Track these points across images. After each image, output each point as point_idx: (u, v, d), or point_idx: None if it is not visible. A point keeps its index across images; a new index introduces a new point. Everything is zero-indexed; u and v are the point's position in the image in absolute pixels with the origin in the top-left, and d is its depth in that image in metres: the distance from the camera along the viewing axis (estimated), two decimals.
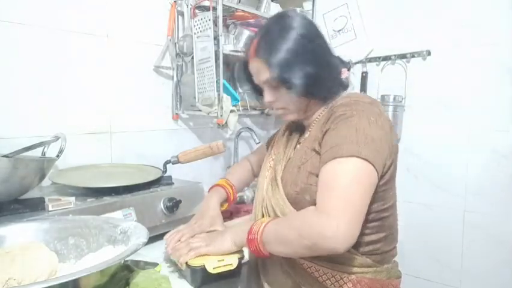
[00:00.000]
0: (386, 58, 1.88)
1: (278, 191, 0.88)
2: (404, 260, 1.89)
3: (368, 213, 0.76)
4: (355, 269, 0.81)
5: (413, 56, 1.81)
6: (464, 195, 1.72)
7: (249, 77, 0.95)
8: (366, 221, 0.77)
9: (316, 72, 0.83)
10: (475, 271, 1.70)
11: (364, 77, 1.93)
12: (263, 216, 0.91)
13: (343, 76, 0.91)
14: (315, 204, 0.74)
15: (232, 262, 0.86)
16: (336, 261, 0.81)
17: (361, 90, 1.93)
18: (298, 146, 0.95)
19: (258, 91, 0.98)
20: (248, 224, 0.84)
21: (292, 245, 0.73)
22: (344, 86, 0.91)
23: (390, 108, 1.82)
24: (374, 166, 0.72)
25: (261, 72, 0.87)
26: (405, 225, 1.89)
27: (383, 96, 1.85)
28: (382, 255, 0.85)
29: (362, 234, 0.77)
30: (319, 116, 0.91)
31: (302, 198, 0.82)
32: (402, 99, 1.84)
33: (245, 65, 0.95)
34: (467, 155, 1.71)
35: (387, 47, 1.88)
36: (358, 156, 0.71)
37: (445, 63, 1.74)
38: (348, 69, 0.93)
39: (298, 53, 0.83)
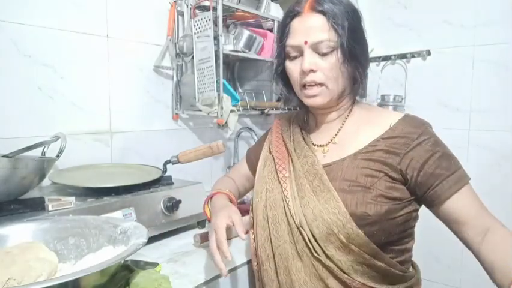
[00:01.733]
0: (386, 58, 1.89)
1: (337, 206, 0.76)
2: None
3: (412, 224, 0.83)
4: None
5: (413, 56, 1.81)
6: None
7: (281, 37, 0.83)
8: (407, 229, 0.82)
9: (365, 55, 0.80)
10: (475, 271, 1.70)
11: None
12: (293, 240, 0.79)
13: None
14: (378, 223, 0.75)
15: None
16: (390, 281, 0.79)
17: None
18: (322, 152, 0.86)
19: (282, 58, 0.84)
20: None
21: None
22: (362, 92, 0.89)
23: (390, 108, 1.82)
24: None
25: (318, 31, 0.75)
26: None
27: (383, 96, 1.85)
28: (410, 263, 0.90)
29: (405, 242, 0.83)
30: (346, 116, 0.87)
31: (370, 219, 0.74)
32: (402, 99, 1.84)
33: (288, 20, 0.81)
34: (467, 155, 1.71)
35: (387, 47, 1.88)
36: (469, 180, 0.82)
37: (445, 63, 1.74)
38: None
39: (358, 24, 0.79)
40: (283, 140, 0.93)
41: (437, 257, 1.80)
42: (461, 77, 1.71)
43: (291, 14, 0.81)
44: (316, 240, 0.76)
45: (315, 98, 0.81)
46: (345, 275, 0.75)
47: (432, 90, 1.78)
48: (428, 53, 1.78)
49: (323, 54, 0.78)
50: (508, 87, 1.60)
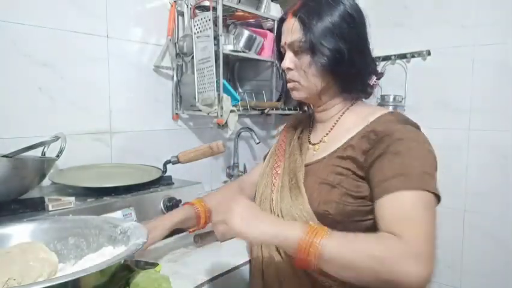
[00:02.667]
0: (386, 58, 1.89)
1: (303, 202, 0.80)
2: None
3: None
4: None
5: (413, 56, 1.81)
6: (464, 195, 1.72)
7: (277, 38, 0.90)
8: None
9: (348, 55, 0.80)
10: (475, 271, 1.71)
11: None
12: None
13: (370, 82, 0.86)
14: (341, 224, 0.73)
15: None
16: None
17: None
18: (313, 150, 0.89)
19: (280, 58, 0.91)
20: (295, 225, 0.69)
21: (359, 273, 0.63)
22: (367, 93, 0.87)
23: (390, 108, 1.82)
24: (437, 199, 0.70)
25: (292, 32, 0.82)
26: None
27: (383, 96, 1.85)
28: None
29: None
30: (340, 115, 0.88)
31: (332, 218, 0.76)
32: (402, 99, 1.84)
33: (279, 23, 0.90)
34: (467, 155, 1.71)
35: (387, 47, 1.88)
36: (428, 191, 0.68)
37: (445, 63, 1.74)
38: (378, 79, 0.89)
39: (339, 27, 0.80)
40: (287, 139, 0.99)
41: (437, 257, 1.80)
42: (461, 77, 1.71)
43: (282, 18, 0.90)
44: None
45: (292, 92, 0.88)
46: (313, 272, 0.76)
47: (432, 90, 1.78)
48: (428, 53, 1.78)
49: (296, 54, 0.84)
50: (508, 87, 1.60)
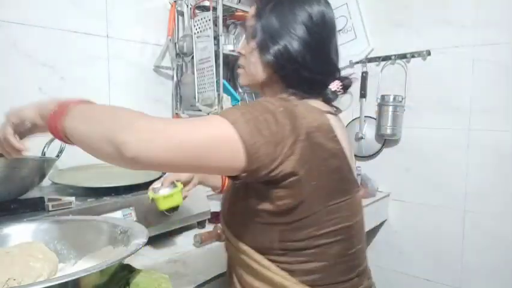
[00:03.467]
0: (386, 58, 1.89)
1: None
2: (404, 260, 1.90)
3: (299, 240, 0.70)
4: None
5: (413, 56, 1.81)
6: (464, 195, 1.72)
7: None
8: (300, 248, 0.71)
9: (296, 54, 0.74)
10: (475, 271, 1.70)
11: (364, 77, 1.93)
12: None
13: (331, 86, 0.78)
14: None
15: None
16: None
17: (361, 90, 1.93)
18: None
19: None
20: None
21: (96, 128, 0.59)
22: (325, 96, 0.77)
23: (390, 108, 1.82)
24: (240, 137, 0.58)
25: (250, 18, 0.81)
26: (405, 225, 1.90)
27: (383, 96, 1.85)
28: (330, 287, 0.73)
29: (297, 262, 0.71)
30: None
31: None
32: (402, 99, 1.84)
33: None
34: (467, 155, 1.71)
35: (387, 47, 1.88)
36: (226, 119, 0.60)
37: (445, 63, 1.74)
38: (344, 87, 0.79)
39: (293, 24, 0.76)
40: None
41: (437, 257, 1.80)
42: (461, 77, 1.71)
43: None
44: None
45: (240, 76, 0.85)
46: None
47: (432, 90, 1.78)
48: (428, 53, 1.78)
49: (248, 40, 0.82)
50: (508, 87, 1.60)
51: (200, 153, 0.58)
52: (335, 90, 0.78)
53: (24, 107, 0.69)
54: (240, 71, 0.85)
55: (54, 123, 0.62)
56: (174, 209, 1.14)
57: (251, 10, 0.82)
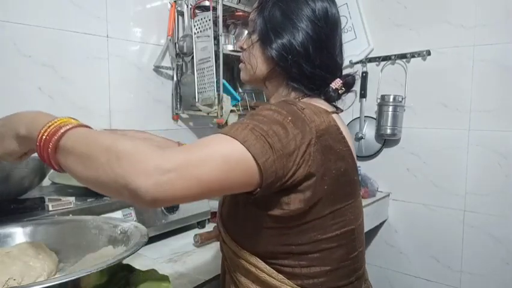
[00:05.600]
0: (386, 58, 1.89)
1: None
2: (404, 260, 1.90)
3: (302, 243, 0.69)
4: None
5: (413, 56, 1.81)
6: (464, 195, 1.72)
7: None
8: (303, 252, 0.70)
9: (298, 46, 0.74)
10: (475, 271, 1.70)
11: (364, 77, 1.93)
12: None
13: (332, 84, 0.77)
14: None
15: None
16: None
17: (361, 90, 1.93)
18: None
19: None
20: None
21: (94, 166, 0.52)
22: (327, 94, 0.77)
23: (390, 108, 1.82)
24: (252, 156, 0.57)
25: (253, 12, 0.80)
26: (405, 225, 1.90)
27: (383, 96, 1.85)
28: None
29: (299, 265, 0.70)
30: None
31: None
32: (402, 99, 1.84)
33: None
34: (467, 155, 1.71)
35: (387, 47, 1.88)
36: (235, 138, 0.58)
37: (445, 63, 1.74)
38: (346, 85, 0.78)
39: (296, 17, 0.75)
40: None
41: (437, 257, 1.80)
42: (461, 77, 1.71)
43: None
44: None
45: (241, 72, 0.84)
46: None
47: (432, 90, 1.78)
48: (428, 53, 1.78)
49: (251, 33, 0.81)
50: (508, 87, 1.60)
51: (217, 182, 0.56)
52: (336, 88, 0.77)
53: (3, 138, 0.63)
54: (241, 65, 0.83)
55: (47, 159, 0.56)
56: (175, 208, 1.14)
57: (255, 4, 0.82)
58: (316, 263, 0.71)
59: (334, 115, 0.72)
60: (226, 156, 0.56)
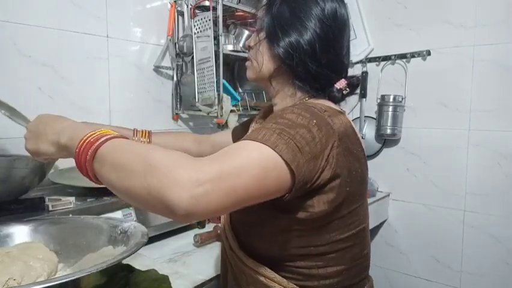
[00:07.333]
0: (386, 58, 1.89)
1: None
2: (404, 260, 1.90)
3: (322, 244, 0.69)
4: None
5: (413, 56, 1.81)
6: (464, 195, 1.72)
7: None
8: (321, 253, 0.70)
9: (305, 45, 0.74)
10: (475, 271, 1.71)
11: (364, 77, 1.93)
12: None
13: (336, 85, 0.77)
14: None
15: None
16: None
17: (361, 90, 1.93)
18: None
19: None
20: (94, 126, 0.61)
21: (128, 176, 0.52)
22: (331, 95, 0.77)
23: (390, 108, 1.82)
24: (284, 160, 0.56)
25: (261, 10, 0.81)
26: (405, 225, 1.90)
27: (383, 96, 1.85)
28: None
29: (316, 266, 0.70)
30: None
31: None
32: (402, 99, 1.84)
33: None
34: (467, 155, 1.71)
35: (387, 47, 1.88)
36: (265, 144, 0.56)
37: (445, 63, 1.74)
38: (350, 85, 0.78)
39: (304, 16, 0.75)
40: (250, 128, 0.96)
41: (437, 257, 1.80)
42: (461, 77, 1.71)
43: None
44: None
45: (247, 70, 0.84)
46: None
47: (432, 90, 1.78)
48: (428, 53, 1.78)
49: (258, 31, 0.81)
50: (508, 87, 1.60)
51: (253, 190, 0.54)
52: (341, 89, 0.77)
53: (41, 141, 0.65)
54: (247, 63, 0.84)
55: (83, 168, 0.57)
56: None
57: (263, 1, 0.82)
58: (332, 263, 0.71)
59: (348, 116, 0.73)
60: (260, 163, 0.55)
